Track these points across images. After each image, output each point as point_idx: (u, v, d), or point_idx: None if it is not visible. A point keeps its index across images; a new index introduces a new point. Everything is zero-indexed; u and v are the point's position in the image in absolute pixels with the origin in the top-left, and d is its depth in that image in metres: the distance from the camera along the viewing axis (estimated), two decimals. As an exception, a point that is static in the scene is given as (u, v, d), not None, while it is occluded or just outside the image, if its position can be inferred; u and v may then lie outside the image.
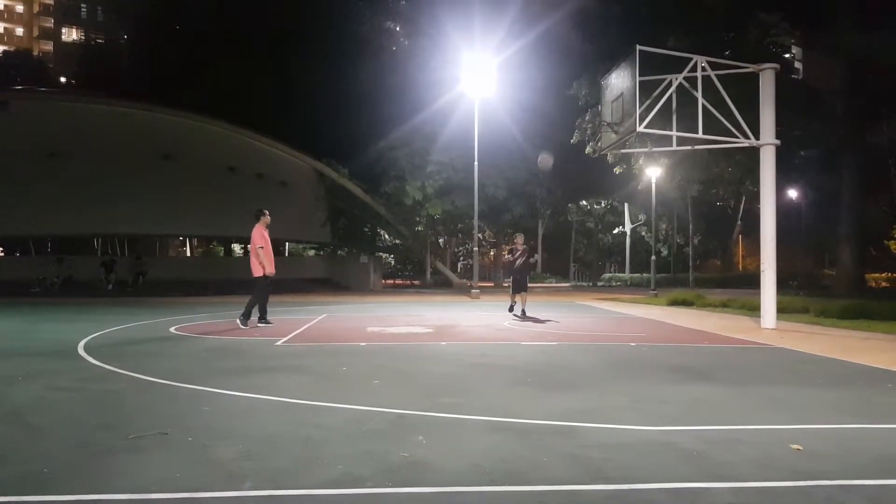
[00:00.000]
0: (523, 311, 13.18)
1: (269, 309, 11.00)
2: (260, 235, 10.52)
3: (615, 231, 52.11)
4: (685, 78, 10.82)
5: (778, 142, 10.90)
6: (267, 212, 10.82)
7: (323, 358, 7.19)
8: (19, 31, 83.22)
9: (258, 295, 10.65)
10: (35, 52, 68.60)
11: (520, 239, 14.50)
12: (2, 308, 15.73)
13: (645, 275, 40.88)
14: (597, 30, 24.23)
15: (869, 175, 22.15)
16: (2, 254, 35.78)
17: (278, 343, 8.46)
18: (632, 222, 47.19)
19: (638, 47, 10.36)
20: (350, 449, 3.51)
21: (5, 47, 69.46)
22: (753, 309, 13.42)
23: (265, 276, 10.47)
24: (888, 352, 7.81)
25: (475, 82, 22.77)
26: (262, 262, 10.40)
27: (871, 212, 28.16)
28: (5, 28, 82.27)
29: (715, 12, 21.10)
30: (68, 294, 22.30)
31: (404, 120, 31.44)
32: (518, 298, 13.59)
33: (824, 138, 21.64)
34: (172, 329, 10.42)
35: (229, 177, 28.75)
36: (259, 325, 10.49)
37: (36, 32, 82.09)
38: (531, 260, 14.36)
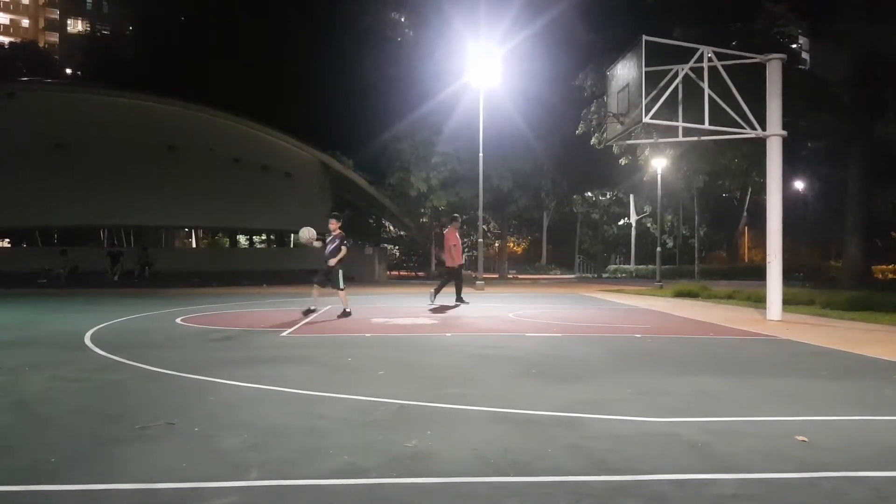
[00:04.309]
0: (313, 309, 10.71)
1: (273, 301, 11.13)
2: (454, 236, 13.81)
3: (620, 222, 51.93)
4: (691, 68, 10.73)
5: (784, 133, 10.83)
6: (458, 217, 15.10)
7: (328, 349, 7.21)
8: (25, 22, 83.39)
9: (449, 279, 13.97)
10: (41, 44, 68.74)
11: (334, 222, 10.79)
12: (9, 299, 15.82)
13: (650, 266, 40.81)
14: (602, 20, 24.03)
15: (876, 167, 21.94)
16: (8, 245, 35.94)
17: (283, 334, 8.49)
18: (637, 214, 47.00)
19: (644, 38, 10.29)
20: (354, 439, 3.52)
21: (11, 38, 69.57)
22: (759, 300, 13.37)
23: (458, 266, 13.77)
24: (894, 343, 7.77)
25: (480, 73, 22.66)
26: (453, 256, 13.59)
27: (877, 203, 27.99)
28: (11, 19, 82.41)
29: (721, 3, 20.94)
30: (75, 285, 22.39)
31: (409, 111, 31.35)
32: (318, 293, 10.82)
33: (831, 129, 21.44)
34: (178, 320, 10.46)
35: (234, 168, 28.80)
36: (456, 304, 13.47)
37: (41, 24, 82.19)
38: (343, 246, 10.55)
